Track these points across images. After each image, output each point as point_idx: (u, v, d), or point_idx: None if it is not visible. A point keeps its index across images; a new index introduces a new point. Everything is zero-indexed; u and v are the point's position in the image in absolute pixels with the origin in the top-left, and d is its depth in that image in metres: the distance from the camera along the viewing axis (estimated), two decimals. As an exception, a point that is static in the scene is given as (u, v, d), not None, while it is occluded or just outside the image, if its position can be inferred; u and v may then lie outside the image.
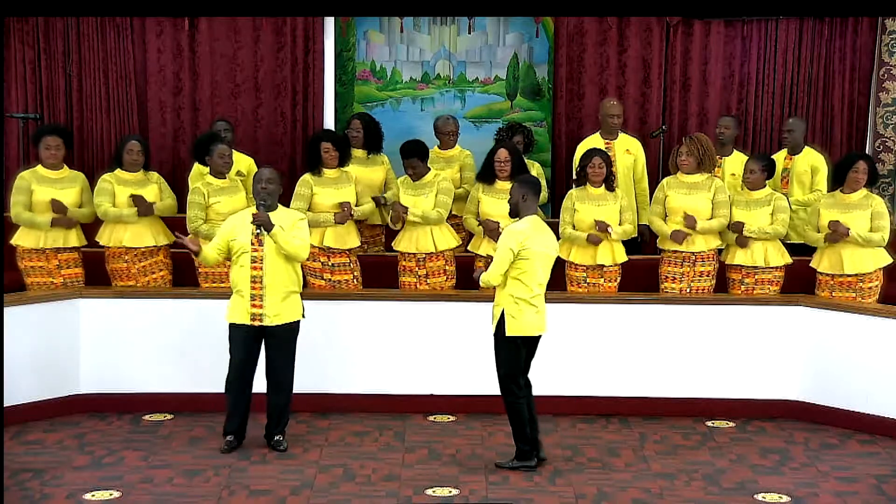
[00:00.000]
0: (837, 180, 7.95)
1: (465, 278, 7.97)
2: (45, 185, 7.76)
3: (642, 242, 8.71)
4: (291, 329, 6.92)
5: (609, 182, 7.87)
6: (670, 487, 6.48)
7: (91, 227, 7.99)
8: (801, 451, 7.18)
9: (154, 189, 7.91)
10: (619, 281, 7.93)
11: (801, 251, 8.19)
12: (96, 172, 8.29)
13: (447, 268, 7.98)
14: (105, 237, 7.86)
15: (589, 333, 7.74)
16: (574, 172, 8.18)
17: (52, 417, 7.55)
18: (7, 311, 6.87)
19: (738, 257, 7.85)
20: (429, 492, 6.35)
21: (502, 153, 7.84)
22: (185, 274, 7.97)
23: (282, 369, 6.93)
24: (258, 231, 6.74)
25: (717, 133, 8.75)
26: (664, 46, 9.72)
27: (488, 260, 7.08)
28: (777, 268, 7.85)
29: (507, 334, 6.53)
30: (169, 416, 7.66)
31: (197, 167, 8.24)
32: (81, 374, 7.72)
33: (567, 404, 7.69)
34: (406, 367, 7.80)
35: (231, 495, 6.28)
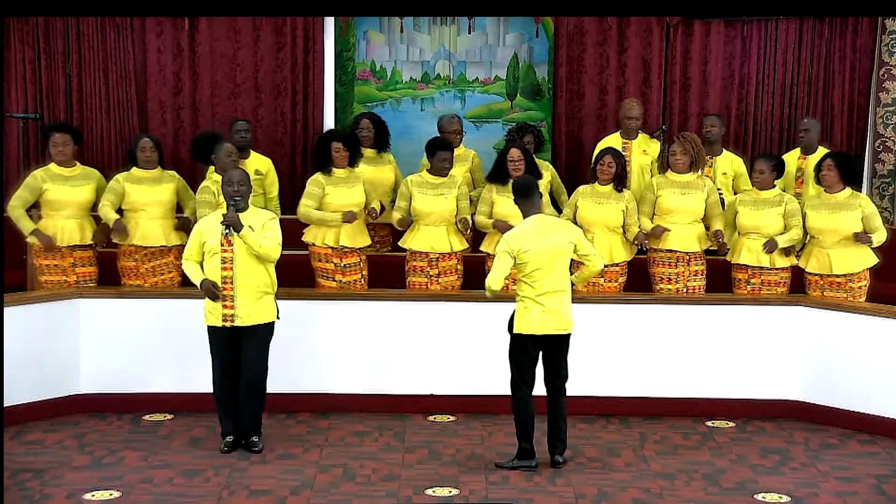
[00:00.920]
0: (818, 181, 7.92)
1: (471, 278, 7.99)
2: (58, 183, 7.75)
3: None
4: (265, 330, 6.89)
5: (619, 182, 7.86)
6: (670, 487, 6.48)
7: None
8: (801, 451, 7.18)
9: (169, 188, 7.87)
10: (620, 281, 7.93)
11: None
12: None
13: (458, 267, 7.97)
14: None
15: (589, 333, 7.72)
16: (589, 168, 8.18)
17: (52, 417, 7.55)
18: (7, 311, 6.85)
19: (744, 257, 7.83)
20: (429, 492, 6.35)
21: (515, 153, 7.84)
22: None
23: (255, 371, 6.90)
24: (227, 231, 6.71)
25: (705, 132, 8.73)
26: (664, 46, 9.73)
27: None
28: (783, 269, 7.84)
29: (514, 331, 6.60)
30: (169, 416, 7.66)
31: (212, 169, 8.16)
32: (81, 374, 7.71)
33: (567, 404, 7.66)
34: (406, 367, 7.79)
35: (231, 495, 6.28)
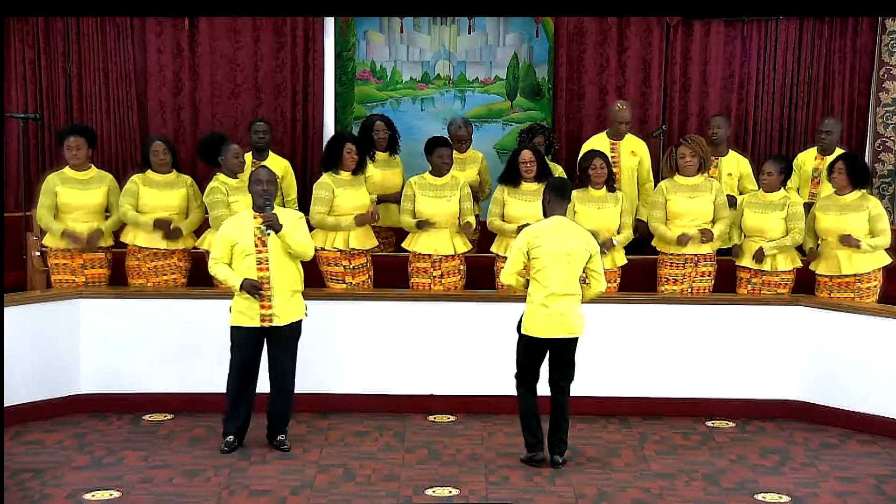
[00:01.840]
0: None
1: (473, 279, 7.99)
2: (71, 187, 7.75)
3: (643, 240, 8.69)
4: (295, 329, 6.93)
5: (610, 183, 7.87)
6: (670, 487, 6.48)
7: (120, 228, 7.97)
8: (801, 451, 7.17)
9: (180, 194, 7.85)
10: (618, 283, 7.93)
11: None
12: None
13: (461, 267, 7.97)
14: (124, 235, 7.86)
15: (589, 333, 7.70)
16: (576, 173, 8.17)
17: (52, 417, 7.54)
18: (7, 311, 6.87)
19: (747, 260, 7.84)
20: (429, 492, 6.35)
21: (527, 154, 7.83)
22: (200, 280, 7.87)
23: (286, 369, 6.93)
24: (267, 232, 6.73)
25: (710, 133, 8.74)
26: (664, 46, 9.73)
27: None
28: (786, 271, 7.84)
29: (521, 332, 6.66)
30: (169, 416, 7.66)
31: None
32: (81, 374, 7.71)
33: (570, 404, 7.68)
34: (406, 367, 7.79)
35: (231, 495, 6.28)
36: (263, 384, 7.02)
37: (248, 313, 6.81)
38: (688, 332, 7.78)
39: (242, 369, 6.88)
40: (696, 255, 7.84)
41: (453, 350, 7.75)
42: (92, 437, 7.24)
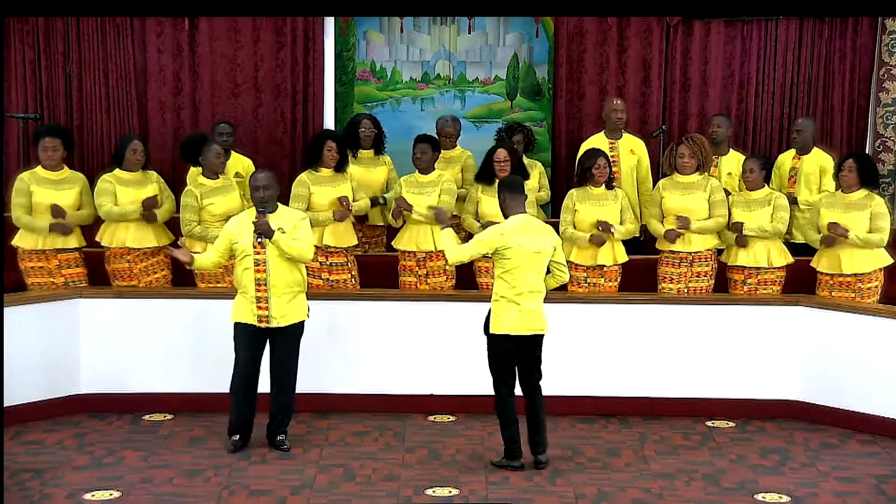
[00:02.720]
0: (837, 180, 7.94)
1: (465, 278, 8.00)
2: (45, 187, 7.75)
3: (644, 242, 8.71)
4: (297, 329, 6.93)
5: (609, 182, 7.88)
6: (670, 487, 6.48)
7: (91, 227, 7.97)
8: (801, 451, 7.18)
9: (154, 189, 7.91)
10: (618, 281, 7.93)
11: (804, 251, 8.18)
12: (96, 172, 8.25)
13: (447, 268, 7.97)
14: (107, 238, 7.83)
15: (589, 333, 7.73)
16: (576, 172, 8.16)
17: (52, 417, 7.55)
18: (7, 311, 6.87)
19: (741, 258, 7.84)
20: (429, 492, 6.35)
21: (501, 153, 7.86)
22: (185, 273, 7.95)
23: (287, 370, 6.93)
24: (259, 239, 6.75)
25: (711, 132, 8.74)
26: (664, 46, 9.73)
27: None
28: (779, 268, 7.85)
29: (490, 332, 6.63)
30: (169, 416, 7.66)
31: (193, 170, 8.21)
32: (81, 374, 7.71)
33: (567, 404, 7.68)
34: (406, 367, 7.79)
35: (231, 495, 6.28)
36: (265, 383, 7.02)
37: (244, 311, 6.83)
38: (688, 332, 7.78)
39: (244, 366, 6.88)
40: (690, 253, 7.84)
41: (453, 350, 7.75)
42: (92, 437, 7.24)
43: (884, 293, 7.75)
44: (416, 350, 7.78)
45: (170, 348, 7.72)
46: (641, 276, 8.07)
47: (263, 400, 7.03)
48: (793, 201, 8.29)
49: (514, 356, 6.67)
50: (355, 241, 8.06)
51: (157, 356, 7.74)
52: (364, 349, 7.78)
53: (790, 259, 7.90)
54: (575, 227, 7.81)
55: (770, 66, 9.68)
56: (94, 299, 7.73)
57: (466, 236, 8.21)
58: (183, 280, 8.01)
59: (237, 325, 6.88)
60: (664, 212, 7.90)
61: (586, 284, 7.87)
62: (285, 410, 7.01)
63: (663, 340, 7.77)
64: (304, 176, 7.95)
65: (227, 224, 7.02)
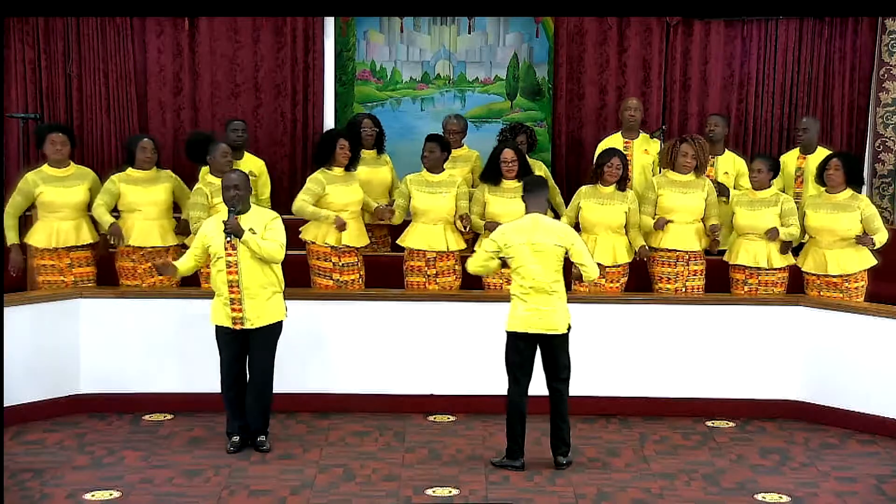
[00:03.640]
0: (820, 180, 7.92)
1: (469, 278, 7.98)
2: (52, 184, 7.75)
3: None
4: (273, 330, 6.90)
5: (622, 182, 7.87)
6: (670, 487, 6.48)
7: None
8: (801, 451, 7.18)
9: (166, 188, 7.88)
10: (622, 282, 7.93)
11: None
12: (97, 172, 8.25)
13: (456, 267, 7.97)
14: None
15: (589, 333, 7.72)
16: (591, 170, 8.16)
17: (52, 417, 7.55)
18: (7, 311, 6.85)
19: (742, 258, 7.84)
20: (429, 492, 6.35)
21: (509, 154, 7.86)
22: (192, 275, 7.93)
23: (262, 370, 6.90)
24: (229, 238, 6.73)
25: (708, 132, 8.74)
26: (664, 46, 9.72)
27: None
28: (780, 269, 7.85)
29: (505, 329, 6.66)
30: (169, 416, 7.66)
31: (205, 169, 8.11)
32: (81, 374, 7.71)
33: (569, 405, 7.67)
34: (406, 367, 7.79)
35: (231, 495, 6.28)
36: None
37: (220, 313, 6.84)
38: (688, 332, 7.78)
39: (227, 367, 6.90)
40: (687, 252, 7.85)
41: (453, 350, 7.75)
42: (92, 437, 7.25)
43: (875, 293, 7.77)
44: (416, 350, 7.78)
45: (170, 348, 7.72)
46: (641, 276, 8.06)
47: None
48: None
49: (528, 357, 6.65)
50: (367, 241, 8.07)
51: (157, 356, 7.74)
52: (365, 349, 7.78)
53: (791, 260, 7.89)
54: (577, 225, 7.81)
55: (770, 66, 9.67)
56: (95, 299, 7.74)
57: (473, 236, 8.24)
58: (186, 280, 8.00)
59: (216, 328, 6.88)
60: (661, 210, 7.90)
61: (587, 284, 7.86)
62: (263, 411, 6.97)
63: (663, 340, 7.77)
64: (318, 175, 7.90)
65: (203, 226, 7.00)
